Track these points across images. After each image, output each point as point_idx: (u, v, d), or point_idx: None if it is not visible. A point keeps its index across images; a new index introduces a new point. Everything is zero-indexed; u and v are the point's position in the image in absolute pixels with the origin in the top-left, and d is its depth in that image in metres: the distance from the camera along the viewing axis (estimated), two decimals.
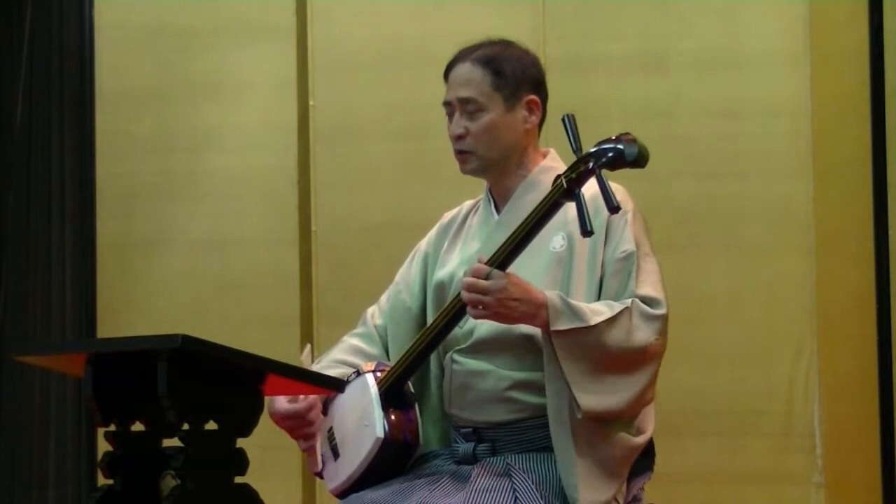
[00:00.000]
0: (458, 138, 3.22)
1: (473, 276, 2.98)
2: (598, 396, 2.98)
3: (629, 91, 4.78)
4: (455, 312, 3.07)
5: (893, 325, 4.67)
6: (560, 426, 3.01)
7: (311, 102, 5.08)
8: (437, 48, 4.89)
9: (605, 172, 2.93)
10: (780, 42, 4.78)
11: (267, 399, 3.17)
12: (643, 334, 3.02)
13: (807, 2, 4.76)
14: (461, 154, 3.23)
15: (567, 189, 2.95)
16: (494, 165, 3.23)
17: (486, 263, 2.99)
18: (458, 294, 3.03)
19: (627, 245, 3.10)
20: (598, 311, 3.01)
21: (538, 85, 3.25)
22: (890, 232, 4.68)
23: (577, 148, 2.97)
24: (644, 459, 3.15)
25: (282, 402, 3.24)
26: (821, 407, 4.68)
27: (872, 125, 4.71)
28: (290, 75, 5.09)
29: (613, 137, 2.94)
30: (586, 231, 2.92)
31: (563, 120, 3.01)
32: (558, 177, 2.98)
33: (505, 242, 3.01)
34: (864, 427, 4.68)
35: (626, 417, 3.05)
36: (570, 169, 2.96)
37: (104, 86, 5.25)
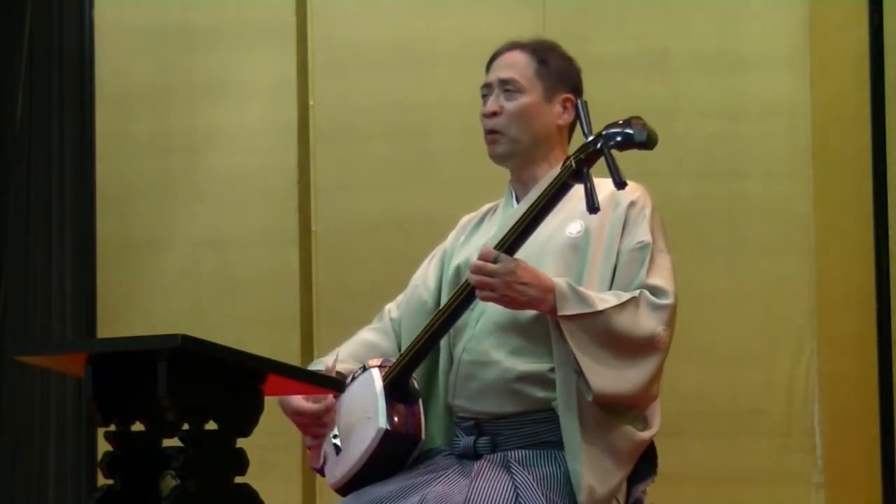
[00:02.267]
0: (491, 115, 3.25)
1: (481, 260, 3.00)
2: (608, 380, 3.00)
3: (629, 91, 4.77)
4: (464, 297, 3.08)
5: (893, 325, 4.68)
6: (569, 412, 3.02)
7: (311, 102, 5.07)
8: (437, 48, 4.95)
9: (616, 158, 2.97)
10: (780, 42, 4.78)
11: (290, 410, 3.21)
12: (650, 323, 3.05)
13: (807, 2, 4.75)
14: (491, 134, 3.26)
15: (576, 169, 2.98)
16: (522, 151, 3.26)
17: (495, 247, 3.01)
18: (462, 283, 3.06)
19: (644, 236, 3.13)
20: (605, 299, 3.04)
21: (576, 88, 3.31)
22: (890, 232, 4.69)
23: (588, 131, 3.01)
24: (647, 464, 3.16)
25: (299, 400, 3.24)
26: (821, 407, 4.67)
27: (872, 125, 4.72)
28: (290, 75, 5.09)
29: (622, 121, 2.99)
30: (592, 208, 2.95)
31: (577, 104, 3.05)
32: (568, 158, 3.01)
33: (514, 225, 3.03)
34: (864, 427, 4.69)
35: (634, 408, 3.07)
36: (580, 150, 3.01)
37: (104, 86, 5.25)
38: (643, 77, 4.83)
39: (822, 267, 4.72)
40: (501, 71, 3.27)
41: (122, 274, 5.21)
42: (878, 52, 4.72)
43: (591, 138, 3.00)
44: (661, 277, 3.11)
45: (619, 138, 2.97)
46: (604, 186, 3.01)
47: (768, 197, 4.77)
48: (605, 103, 4.81)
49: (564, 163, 3.03)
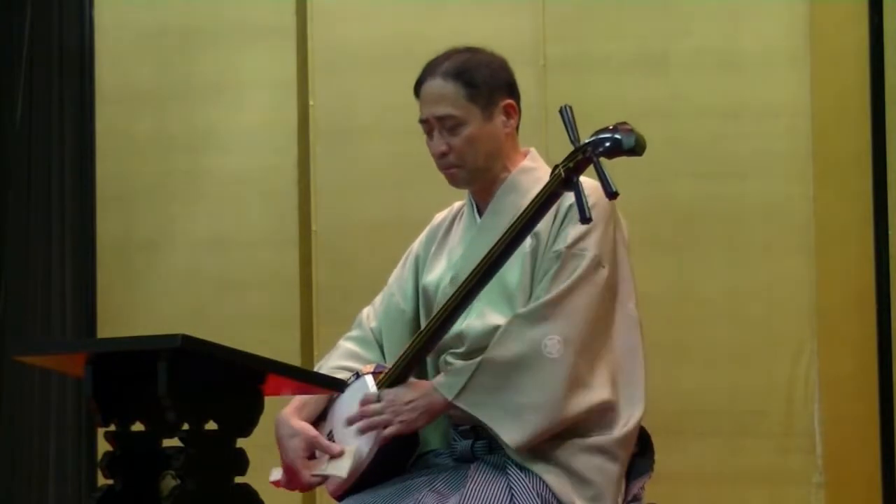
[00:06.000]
0: (441, 155, 3.24)
1: (363, 406, 3.06)
2: (519, 425, 2.99)
3: (629, 91, 4.78)
4: (447, 317, 3.07)
5: (893, 325, 4.68)
6: (532, 464, 3.03)
7: (311, 102, 5.08)
8: (437, 48, 4.89)
9: (603, 163, 2.95)
10: (780, 42, 4.78)
11: (287, 432, 3.17)
12: (522, 343, 3.03)
13: (807, 2, 4.75)
14: (447, 169, 3.25)
15: (565, 178, 2.97)
16: (481, 174, 3.24)
17: (484, 257, 3.00)
18: (448, 300, 3.05)
19: (561, 245, 3.11)
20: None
21: (511, 88, 3.25)
22: (890, 232, 4.69)
23: (574, 138, 3.00)
24: (643, 459, 3.15)
25: (301, 464, 3.18)
26: (821, 407, 4.68)
27: (872, 125, 4.72)
28: (290, 75, 5.09)
29: (610, 127, 2.97)
30: (585, 218, 2.94)
31: (561, 111, 3.02)
32: (556, 167, 3.00)
33: (501, 238, 3.02)
34: (864, 427, 4.69)
35: (575, 425, 3.04)
36: (568, 158, 2.98)
37: (104, 86, 5.25)
38: (643, 77, 4.83)
39: (822, 267, 4.72)
40: (434, 107, 3.21)
41: (122, 274, 5.22)
42: (878, 52, 4.72)
43: (579, 145, 2.99)
44: (555, 284, 3.08)
45: (607, 144, 2.94)
46: (567, 197, 3.01)
47: (768, 197, 4.77)
48: (605, 103, 4.85)
49: (553, 171, 3.00)
